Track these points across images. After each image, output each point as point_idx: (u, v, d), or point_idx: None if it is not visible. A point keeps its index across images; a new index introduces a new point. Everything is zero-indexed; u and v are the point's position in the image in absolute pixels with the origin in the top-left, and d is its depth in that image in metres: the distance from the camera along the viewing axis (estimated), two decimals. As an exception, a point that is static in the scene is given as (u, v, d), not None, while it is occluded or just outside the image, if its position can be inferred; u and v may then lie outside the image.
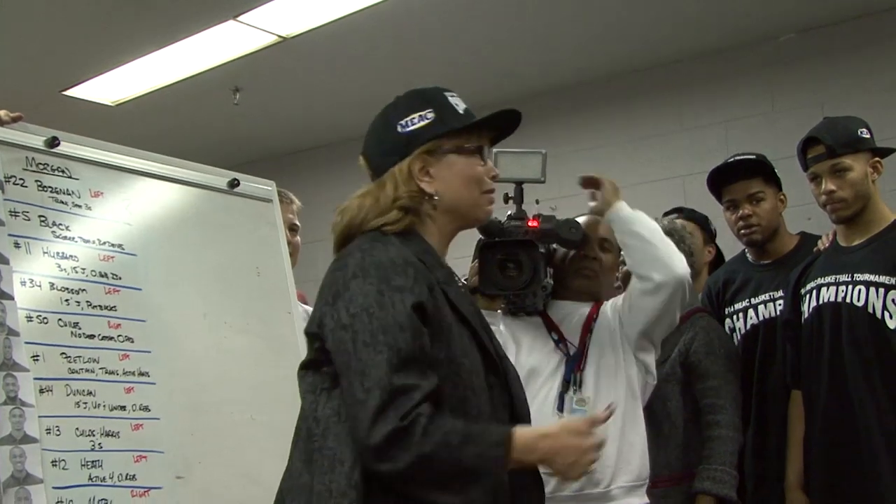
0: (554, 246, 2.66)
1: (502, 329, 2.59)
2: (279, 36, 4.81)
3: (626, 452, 2.50)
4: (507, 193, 2.57)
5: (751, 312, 3.15)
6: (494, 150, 2.55)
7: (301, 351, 2.75)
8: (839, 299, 2.76)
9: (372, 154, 1.95)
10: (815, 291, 2.83)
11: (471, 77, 5.03)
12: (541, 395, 2.51)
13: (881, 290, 2.68)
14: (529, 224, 2.52)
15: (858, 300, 2.72)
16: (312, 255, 3.51)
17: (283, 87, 5.52)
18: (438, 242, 1.90)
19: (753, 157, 3.17)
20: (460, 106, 1.93)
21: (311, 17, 4.63)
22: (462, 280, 2.01)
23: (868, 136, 2.82)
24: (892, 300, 2.66)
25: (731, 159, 3.21)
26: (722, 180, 3.20)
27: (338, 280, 1.76)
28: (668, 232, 3.06)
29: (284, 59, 5.06)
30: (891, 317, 2.66)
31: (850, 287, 2.74)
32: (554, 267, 2.66)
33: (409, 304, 1.71)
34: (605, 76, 5.45)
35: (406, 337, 1.68)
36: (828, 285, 2.80)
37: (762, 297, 3.13)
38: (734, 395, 2.92)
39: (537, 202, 2.60)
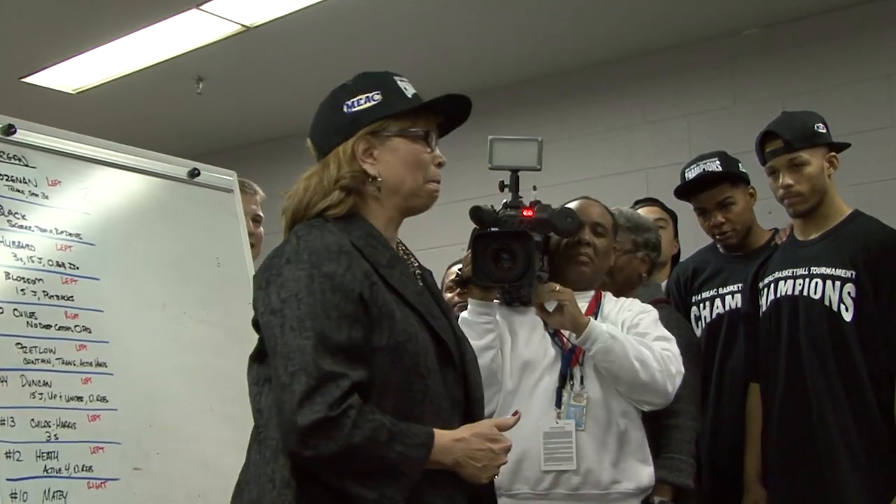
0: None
1: (499, 320, 2.57)
2: (243, 25, 4.78)
3: (627, 454, 2.49)
4: (502, 181, 2.55)
5: (717, 302, 3.18)
6: (489, 137, 2.56)
7: (261, 342, 2.77)
8: (796, 292, 2.79)
9: (317, 135, 1.94)
10: (772, 285, 2.86)
11: (434, 69, 5.02)
12: (539, 389, 2.51)
13: (837, 283, 2.72)
14: (524, 213, 2.49)
15: (815, 293, 2.75)
16: (275, 245, 3.50)
17: (247, 76, 5.49)
18: (385, 226, 1.89)
19: (718, 168, 3.16)
20: (409, 90, 1.92)
21: (276, 6, 4.61)
22: (415, 261, 1.98)
23: (825, 130, 2.85)
24: (849, 293, 2.70)
25: (694, 170, 3.20)
26: (688, 191, 3.21)
27: (273, 265, 1.76)
28: (637, 225, 3.06)
29: (248, 48, 5.03)
30: (846, 309, 2.70)
31: (806, 280, 2.77)
32: (549, 255, 2.63)
33: (341, 292, 1.70)
34: (568, 69, 5.46)
35: (333, 325, 1.68)
36: (785, 279, 2.83)
37: (730, 288, 3.15)
38: (693, 385, 2.92)
39: (534, 189, 2.58)
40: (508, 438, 1.84)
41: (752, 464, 2.92)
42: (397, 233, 1.94)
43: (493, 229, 2.44)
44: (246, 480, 1.77)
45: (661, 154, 5.16)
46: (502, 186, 2.55)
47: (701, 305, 3.22)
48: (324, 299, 1.69)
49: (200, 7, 4.54)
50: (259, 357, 1.81)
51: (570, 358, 2.52)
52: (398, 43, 5.03)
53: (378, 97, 1.88)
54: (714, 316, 3.17)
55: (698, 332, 3.18)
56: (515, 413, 1.95)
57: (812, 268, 2.77)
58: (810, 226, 2.86)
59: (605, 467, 2.46)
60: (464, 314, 2.55)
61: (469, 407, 1.89)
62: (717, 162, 3.17)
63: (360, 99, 1.88)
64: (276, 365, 1.68)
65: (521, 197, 2.55)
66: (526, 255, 2.40)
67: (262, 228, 3.24)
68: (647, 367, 2.43)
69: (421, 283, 1.92)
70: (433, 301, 1.91)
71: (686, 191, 3.23)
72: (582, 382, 2.50)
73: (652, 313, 2.63)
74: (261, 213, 3.24)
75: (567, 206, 2.64)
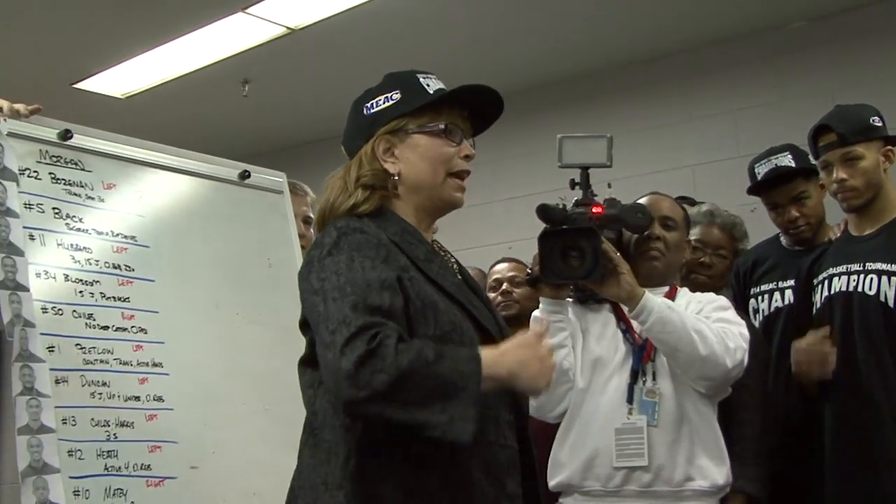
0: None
1: (571, 318, 2.56)
2: (288, 27, 4.82)
3: (701, 452, 2.46)
4: (573, 179, 2.56)
5: (776, 295, 3.13)
6: (558, 135, 2.56)
7: (313, 342, 2.79)
8: (851, 288, 2.75)
9: (345, 138, 1.96)
10: (826, 281, 2.83)
11: (478, 66, 5.02)
12: (611, 385, 2.49)
13: (893, 279, 2.67)
14: (594, 210, 2.48)
15: (870, 289, 2.71)
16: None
17: (292, 78, 5.53)
18: (417, 222, 1.89)
19: (791, 163, 3.10)
20: (432, 86, 1.91)
21: (320, 8, 4.65)
22: (452, 257, 1.98)
23: (880, 123, 2.80)
24: (904, 288, 2.66)
25: (766, 166, 3.14)
26: (761, 187, 3.18)
27: (313, 259, 1.76)
28: (740, 228, 3.07)
29: (293, 50, 5.07)
30: (903, 305, 2.66)
31: (861, 276, 2.73)
32: (621, 252, 2.58)
33: (380, 269, 1.71)
34: (613, 66, 5.44)
35: (373, 292, 1.67)
36: (839, 275, 2.79)
37: (790, 282, 3.09)
38: (766, 394, 2.87)
39: (609, 186, 2.58)
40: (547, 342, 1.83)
41: None
42: (431, 230, 1.95)
43: (562, 227, 2.44)
44: (300, 486, 1.77)
45: (707, 151, 5.13)
46: (573, 184, 2.55)
47: (759, 298, 3.17)
48: (363, 271, 1.69)
49: (246, 10, 4.59)
50: (309, 361, 1.80)
51: (642, 354, 2.50)
52: (443, 42, 5.04)
53: (397, 96, 1.89)
54: (772, 309, 3.12)
55: (756, 325, 3.14)
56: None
57: (867, 263, 2.73)
58: (865, 221, 2.82)
59: (677, 464, 2.43)
60: (536, 313, 2.55)
61: (514, 395, 1.87)
62: (789, 156, 3.11)
63: (380, 100, 1.90)
64: (321, 333, 1.66)
65: (595, 195, 2.55)
66: (594, 252, 2.39)
67: (312, 230, 3.25)
68: (705, 339, 2.39)
69: (459, 277, 1.93)
70: (472, 293, 1.91)
71: (757, 187, 3.19)
72: (654, 378, 2.48)
73: (720, 301, 2.60)
74: (311, 215, 3.25)
75: (637, 201, 2.63)
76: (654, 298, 2.42)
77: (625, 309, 2.53)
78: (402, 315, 1.70)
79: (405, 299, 1.72)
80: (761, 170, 3.13)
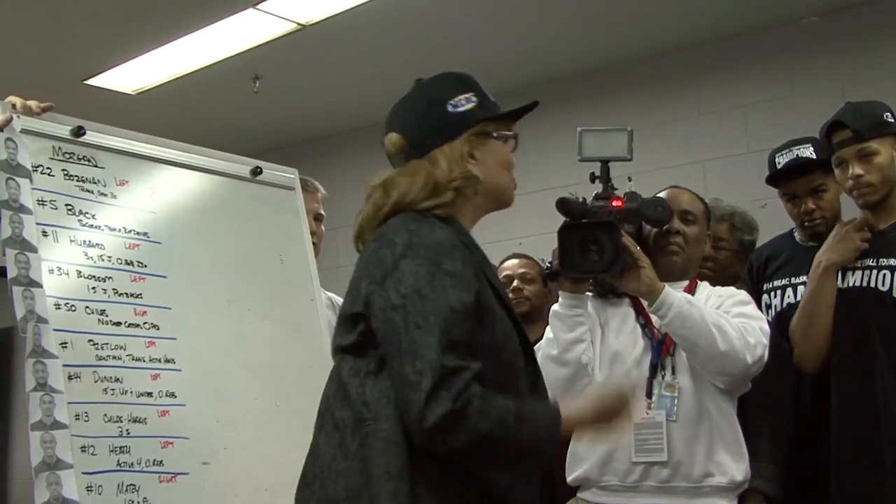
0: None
1: (591, 312, 2.56)
2: (298, 23, 4.81)
3: (720, 448, 2.46)
4: (592, 172, 2.56)
5: (789, 291, 3.12)
6: (578, 129, 2.57)
7: (325, 338, 2.79)
8: (864, 284, 2.74)
9: (413, 131, 1.91)
10: (840, 277, 2.82)
11: (490, 61, 5.02)
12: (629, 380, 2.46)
13: (906, 274, 2.68)
14: (613, 204, 2.48)
15: (883, 284, 2.71)
16: (334, 242, 3.52)
17: (303, 74, 5.53)
18: (470, 225, 1.91)
19: (812, 155, 3.08)
20: (489, 94, 1.95)
21: (331, 4, 4.64)
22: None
23: (893, 120, 2.79)
24: (918, 284, 2.65)
25: (787, 156, 3.12)
26: (779, 177, 3.17)
27: (384, 258, 1.74)
28: (743, 218, 3.06)
29: (304, 46, 5.07)
30: (916, 300, 2.66)
31: (875, 272, 2.73)
32: (641, 245, 2.58)
33: (460, 289, 1.71)
34: (622, 61, 5.43)
35: (455, 322, 1.67)
36: (853, 269, 2.79)
37: (803, 278, 3.06)
38: (783, 393, 2.86)
39: (630, 179, 2.58)
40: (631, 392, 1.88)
41: None
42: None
43: (582, 220, 2.44)
44: (318, 474, 1.75)
45: (718, 146, 5.11)
46: (593, 178, 2.55)
47: (772, 293, 3.16)
48: (446, 296, 1.69)
49: (256, 6, 4.59)
50: (355, 349, 1.78)
51: (661, 348, 2.50)
52: (453, 38, 5.03)
53: (475, 99, 1.91)
54: (784, 305, 3.12)
55: (769, 319, 3.13)
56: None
57: (881, 259, 2.72)
58: (880, 216, 2.81)
59: (696, 460, 2.43)
60: (555, 307, 2.55)
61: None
62: (811, 148, 3.09)
63: (462, 100, 1.90)
64: (402, 362, 1.66)
65: (615, 188, 2.55)
66: (613, 246, 2.39)
67: (323, 227, 3.25)
68: (724, 335, 2.38)
69: None
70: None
71: (777, 177, 3.18)
72: (673, 373, 2.48)
73: (740, 295, 2.60)
74: (322, 212, 3.25)
75: (657, 195, 2.62)
76: (673, 293, 2.41)
77: (644, 303, 2.52)
78: (478, 344, 1.72)
79: (478, 303, 1.74)
80: (782, 160, 3.12)
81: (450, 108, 1.89)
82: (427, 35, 5.00)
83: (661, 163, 5.18)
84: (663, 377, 2.47)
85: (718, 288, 2.65)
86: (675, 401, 2.45)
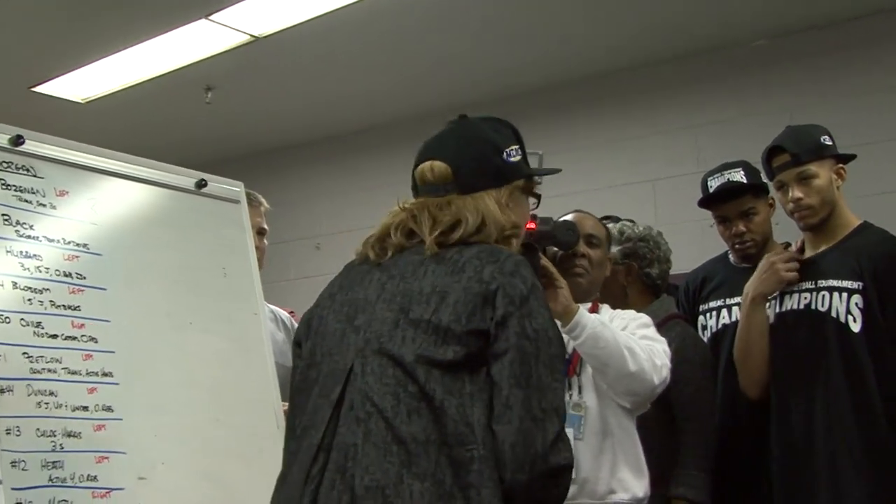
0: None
1: None
2: (252, 35, 4.80)
3: (623, 465, 2.50)
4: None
5: (724, 312, 3.17)
6: None
7: (268, 352, 2.78)
8: (802, 306, 2.78)
9: (467, 169, 1.92)
10: (778, 299, 2.86)
11: (440, 79, 5.04)
12: None
13: (845, 295, 2.71)
14: (527, 226, 2.51)
15: (822, 305, 2.74)
16: (283, 256, 3.51)
17: (255, 86, 5.51)
18: None
19: (742, 179, 3.15)
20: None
21: (284, 17, 4.63)
22: None
23: (830, 142, 2.85)
24: (856, 304, 2.69)
25: (718, 179, 3.18)
26: (711, 200, 3.21)
27: (517, 287, 1.74)
28: (644, 238, 3.10)
29: (256, 58, 5.05)
30: (854, 321, 2.69)
31: (813, 294, 2.77)
32: None
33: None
34: (576, 79, 5.47)
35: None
36: (791, 293, 2.83)
37: (737, 299, 3.13)
38: (709, 402, 2.95)
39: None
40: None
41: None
42: None
43: None
44: (410, 492, 1.63)
45: (669, 165, 5.17)
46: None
47: (708, 315, 3.22)
48: (561, 347, 1.78)
49: (209, 17, 4.57)
50: (453, 367, 1.70)
51: (568, 367, 2.53)
52: (404, 53, 5.04)
53: (520, 153, 1.98)
54: (720, 326, 3.17)
55: (705, 340, 3.18)
56: None
57: (819, 280, 2.76)
58: (820, 238, 2.85)
59: (601, 477, 2.47)
60: None
61: None
62: (742, 172, 3.15)
63: (512, 151, 1.96)
64: (529, 395, 1.66)
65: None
66: (532, 267, 2.40)
67: (266, 241, 3.23)
68: (635, 356, 2.42)
69: None
70: None
71: (708, 200, 3.22)
72: (580, 392, 2.52)
73: (643, 318, 2.65)
74: (265, 226, 3.23)
75: (563, 219, 2.67)
76: (587, 314, 2.45)
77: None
78: None
79: None
80: (713, 183, 3.18)
81: (505, 157, 1.94)
82: (378, 52, 5.00)
83: (612, 180, 5.24)
84: (570, 396, 2.50)
85: (619, 311, 2.71)
86: (582, 419, 2.49)
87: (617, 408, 2.52)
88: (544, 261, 2.46)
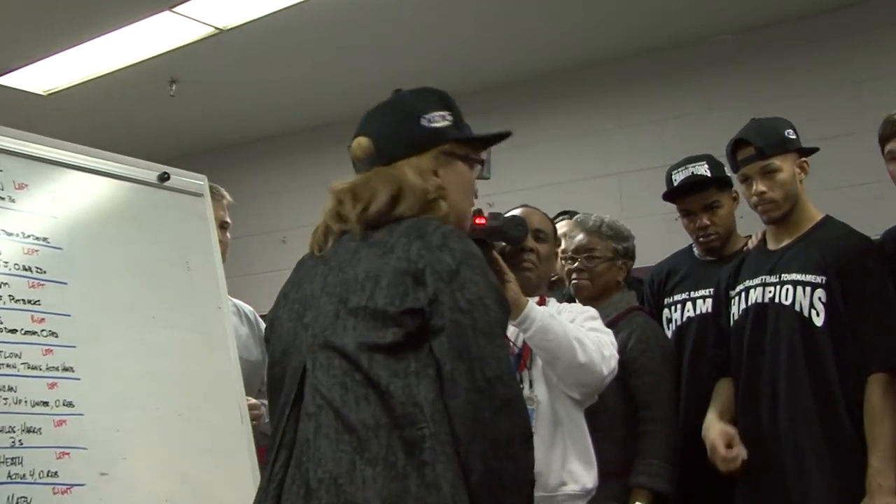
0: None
1: None
2: (216, 28, 4.77)
3: (573, 457, 2.53)
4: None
5: (688, 305, 3.19)
6: None
7: (232, 346, 2.76)
8: (766, 300, 2.79)
9: (384, 139, 1.91)
10: (743, 294, 2.87)
11: (410, 72, 5.01)
12: None
13: (808, 289, 2.72)
14: (476, 221, 2.50)
15: (786, 299, 2.75)
16: (248, 249, 3.49)
17: (220, 79, 5.48)
18: None
19: (706, 172, 3.18)
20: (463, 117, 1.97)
21: (249, 9, 4.61)
22: None
23: (794, 136, 2.86)
24: (819, 298, 2.70)
25: (682, 173, 3.21)
26: (675, 193, 3.23)
27: (445, 261, 1.72)
28: (618, 234, 3.12)
29: (221, 51, 5.02)
30: (817, 315, 2.69)
31: (777, 287, 2.77)
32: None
33: (506, 305, 1.77)
34: (542, 73, 5.48)
35: (503, 333, 1.74)
36: (755, 286, 2.84)
37: (701, 292, 3.17)
38: (670, 391, 2.98)
39: (475, 197, 2.60)
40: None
41: (712, 412, 2.90)
42: None
43: None
44: (363, 478, 1.64)
45: (635, 158, 5.19)
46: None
47: (673, 308, 3.24)
48: (500, 310, 1.73)
49: (173, 9, 4.53)
50: (394, 349, 1.70)
51: (518, 361, 2.55)
52: (371, 46, 5.02)
53: (450, 118, 1.92)
54: (684, 319, 3.19)
55: (669, 334, 3.20)
56: None
57: (782, 275, 2.77)
58: (783, 232, 2.87)
59: (553, 469, 2.49)
60: None
61: None
62: (706, 165, 3.18)
63: (436, 116, 1.91)
64: (471, 366, 1.66)
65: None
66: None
67: (228, 234, 3.21)
68: (584, 347, 2.46)
69: None
70: None
71: (673, 193, 3.24)
72: (531, 385, 2.53)
73: (590, 311, 2.70)
74: (228, 220, 3.21)
75: (518, 215, 2.69)
76: (536, 307, 2.47)
77: (511, 337, 2.58)
78: None
79: None
80: (678, 177, 3.21)
81: (423, 122, 1.90)
82: (343, 45, 4.98)
83: (578, 174, 5.25)
84: (522, 390, 2.51)
85: (566, 304, 2.75)
86: (534, 413, 2.51)
87: (567, 400, 2.55)
88: (494, 255, 2.48)
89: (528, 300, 2.48)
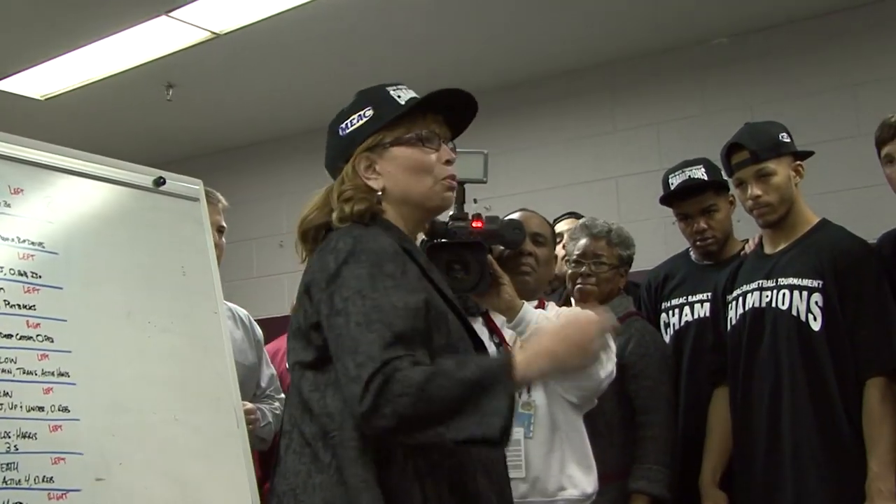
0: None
1: None
2: (212, 32, 4.76)
3: (572, 462, 2.52)
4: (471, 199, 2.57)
5: (686, 310, 3.20)
6: None
7: (228, 351, 2.75)
8: (763, 304, 2.79)
9: (327, 162, 2.01)
10: (740, 298, 2.87)
11: (404, 76, 5.00)
12: None
13: (805, 293, 2.72)
14: (473, 225, 2.51)
15: (783, 304, 2.75)
16: (244, 253, 3.49)
17: (217, 83, 5.47)
18: (407, 231, 1.93)
19: (703, 176, 3.18)
20: (403, 97, 1.94)
21: (245, 13, 4.60)
22: None
23: (788, 140, 2.86)
24: (816, 302, 2.70)
25: (679, 177, 3.21)
26: (672, 197, 3.23)
27: (328, 265, 1.76)
28: (624, 242, 3.12)
29: (218, 55, 5.02)
30: (815, 319, 2.70)
31: (774, 292, 2.78)
32: None
33: (404, 289, 1.72)
34: (537, 77, 5.48)
35: (398, 316, 1.68)
36: (752, 291, 2.84)
37: (699, 297, 3.17)
38: (667, 396, 2.98)
39: (475, 202, 2.60)
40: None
41: (708, 468, 2.92)
42: (417, 238, 2.02)
43: (443, 240, 2.46)
44: (290, 490, 1.77)
45: (631, 162, 5.19)
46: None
47: (670, 312, 3.24)
48: (388, 296, 1.70)
49: (170, 14, 4.52)
50: (316, 365, 1.79)
51: None
52: (366, 50, 5.02)
53: (370, 112, 1.92)
54: (682, 323, 3.19)
55: (667, 339, 3.20)
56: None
57: (780, 279, 2.77)
58: (779, 236, 2.87)
59: (551, 475, 2.49)
60: None
61: None
62: (703, 169, 3.18)
63: (353, 118, 1.93)
64: (345, 361, 1.68)
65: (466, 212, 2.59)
66: (479, 265, 2.42)
67: (224, 239, 3.21)
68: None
69: None
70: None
71: (670, 197, 3.24)
72: (528, 390, 2.53)
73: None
74: (224, 224, 3.21)
75: (510, 217, 2.68)
76: (532, 310, 2.46)
77: (497, 321, 2.59)
78: (424, 338, 1.72)
79: (426, 307, 1.75)
80: (675, 181, 3.21)
81: (340, 133, 1.95)
82: (339, 48, 4.98)
83: (575, 178, 5.25)
84: (519, 395, 2.50)
85: (564, 308, 2.74)
86: (532, 418, 2.50)
87: (565, 404, 2.54)
88: (489, 258, 2.47)
89: (523, 303, 2.47)
